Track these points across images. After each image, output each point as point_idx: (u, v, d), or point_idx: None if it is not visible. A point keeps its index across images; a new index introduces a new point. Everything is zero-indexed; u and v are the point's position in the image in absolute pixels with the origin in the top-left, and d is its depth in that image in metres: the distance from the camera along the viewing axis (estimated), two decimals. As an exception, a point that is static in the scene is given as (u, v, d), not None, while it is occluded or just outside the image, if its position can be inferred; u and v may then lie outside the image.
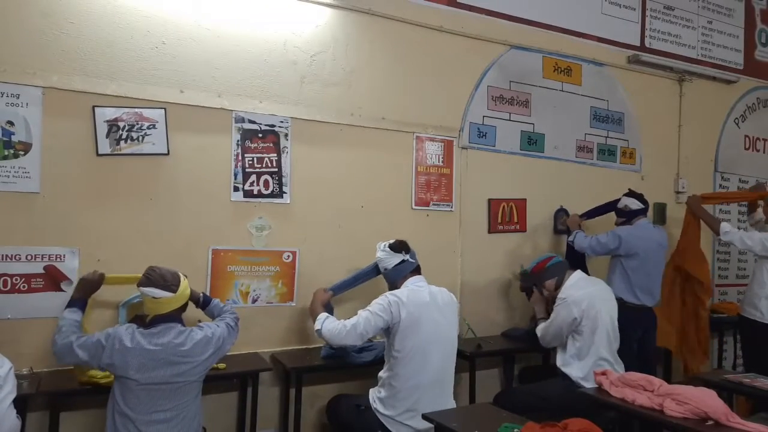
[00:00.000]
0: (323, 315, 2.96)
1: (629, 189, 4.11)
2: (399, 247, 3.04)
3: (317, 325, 2.92)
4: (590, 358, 3.22)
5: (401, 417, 2.77)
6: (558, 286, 3.40)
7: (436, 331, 2.86)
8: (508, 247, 4.18)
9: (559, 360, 3.32)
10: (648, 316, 3.90)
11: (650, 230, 3.98)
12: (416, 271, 3.04)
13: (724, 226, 3.99)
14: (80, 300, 2.51)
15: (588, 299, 3.26)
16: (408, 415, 2.76)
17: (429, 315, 2.85)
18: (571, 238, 3.96)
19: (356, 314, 2.87)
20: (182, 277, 2.41)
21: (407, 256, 3.02)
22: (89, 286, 2.58)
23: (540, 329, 3.45)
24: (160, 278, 2.34)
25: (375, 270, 3.26)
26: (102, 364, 2.26)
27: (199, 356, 2.34)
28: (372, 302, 2.89)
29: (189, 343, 2.32)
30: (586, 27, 4.53)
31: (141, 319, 2.45)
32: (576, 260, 3.88)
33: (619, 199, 4.07)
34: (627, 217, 3.98)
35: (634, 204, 3.97)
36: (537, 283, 3.54)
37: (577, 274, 3.43)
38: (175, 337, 2.31)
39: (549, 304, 3.53)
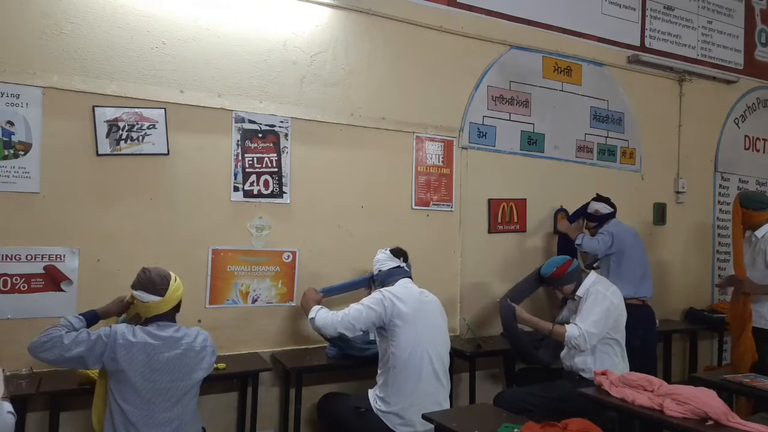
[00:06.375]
0: (317, 306, 3.07)
1: (597, 194, 4.13)
2: (399, 253, 3.15)
3: (311, 314, 3.02)
4: (616, 352, 3.20)
5: (403, 412, 2.77)
6: (575, 290, 3.31)
7: (432, 323, 2.95)
8: (508, 247, 4.18)
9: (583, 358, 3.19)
10: (648, 314, 3.90)
11: (625, 225, 4.07)
12: (406, 277, 3.11)
13: None
14: (94, 315, 2.43)
15: (617, 297, 3.25)
16: (409, 410, 2.76)
17: (423, 309, 2.94)
18: (578, 242, 3.96)
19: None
20: (173, 280, 2.39)
21: (404, 264, 3.13)
22: (115, 309, 2.50)
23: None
24: (148, 282, 2.33)
25: (367, 282, 3.35)
26: (104, 359, 2.22)
27: (201, 353, 2.37)
28: (363, 299, 2.94)
29: (188, 338, 2.36)
30: (586, 27, 4.53)
31: (137, 318, 2.45)
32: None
33: (588, 204, 4.11)
34: (598, 221, 4.04)
35: (604, 208, 4.05)
36: (557, 286, 3.37)
37: (594, 274, 3.38)
38: (175, 332, 2.35)
39: (560, 306, 3.53)
